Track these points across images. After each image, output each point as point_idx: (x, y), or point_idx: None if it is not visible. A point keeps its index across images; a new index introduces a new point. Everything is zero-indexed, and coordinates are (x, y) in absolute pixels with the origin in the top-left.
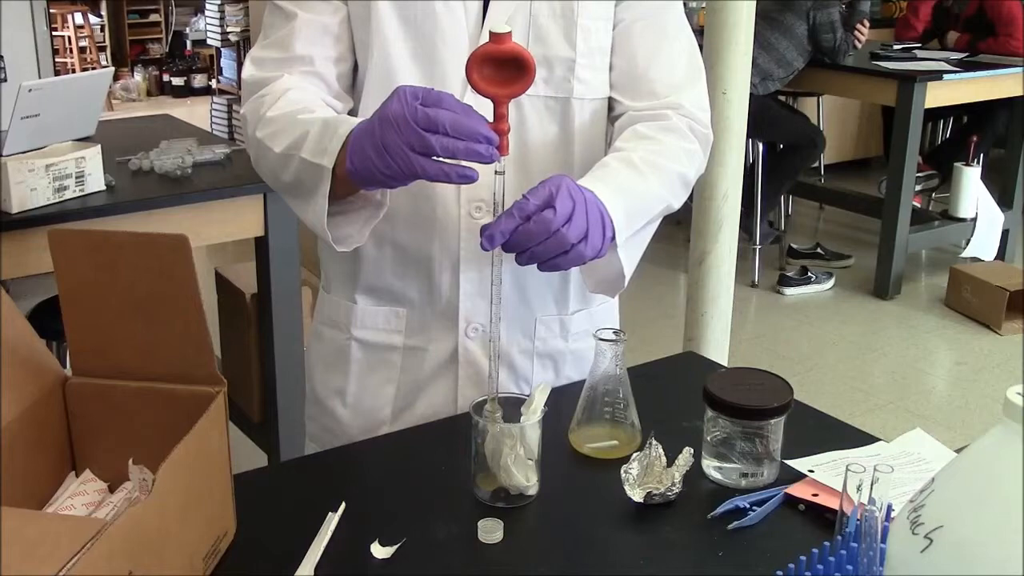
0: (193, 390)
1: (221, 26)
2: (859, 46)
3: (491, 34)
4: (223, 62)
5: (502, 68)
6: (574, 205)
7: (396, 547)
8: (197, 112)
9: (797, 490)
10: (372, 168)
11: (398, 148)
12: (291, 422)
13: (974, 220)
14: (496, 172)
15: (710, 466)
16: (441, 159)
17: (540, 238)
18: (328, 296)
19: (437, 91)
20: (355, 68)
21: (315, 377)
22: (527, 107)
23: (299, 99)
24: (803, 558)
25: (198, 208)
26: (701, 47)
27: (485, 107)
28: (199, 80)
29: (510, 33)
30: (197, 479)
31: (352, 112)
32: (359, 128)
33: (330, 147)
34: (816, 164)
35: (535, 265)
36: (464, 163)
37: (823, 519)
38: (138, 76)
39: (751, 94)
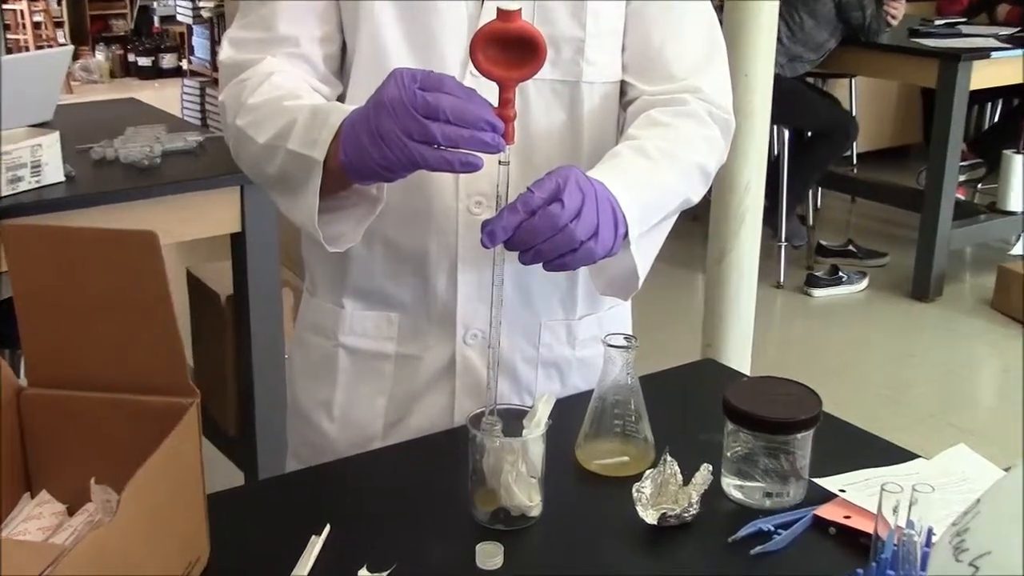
0: (163, 401)
1: (193, 1)
2: (893, 23)
3: (499, 11)
4: (195, 40)
5: (509, 49)
6: (583, 198)
7: (386, 573)
8: (166, 95)
9: (827, 511)
10: (368, 159)
11: (395, 136)
12: (271, 437)
13: None
14: (500, 162)
15: (730, 485)
16: (442, 147)
17: (546, 234)
18: (313, 300)
19: (438, 74)
20: (343, 50)
21: (298, 388)
22: (532, 92)
23: (284, 84)
24: None
25: (168, 202)
26: (721, 23)
27: (488, 92)
28: (168, 60)
29: (519, 11)
30: (167, 499)
31: (341, 98)
32: (352, 116)
33: (321, 137)
34: (848, 153)
35: (540, 265)
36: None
37: (856, 544)
38: (100, 55)
39: (777, 75)
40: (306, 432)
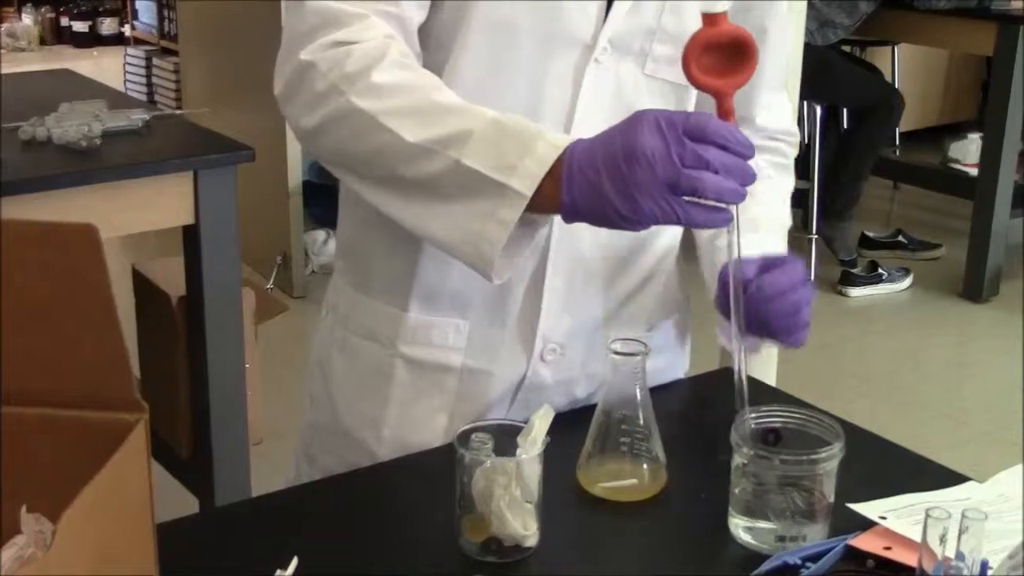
0: (105, 418)
1: None
2: None
3: (704, 16)
4: (139, 3)
5: (716, 55)
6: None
7: None
8: (106, 66)
9: (864, 542)
10: (608, 208)
11: (654, 191)
12: (229, 457)
13: None
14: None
15: (739, 526)
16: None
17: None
18: (367, 300)
19: (698, 116)
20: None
21: (339, 400)
22: (644, 89)
23: (414, 64)
24: None
25: (110, 189)
26: None
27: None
28: (108, 25)
29: (725, 13)
30: (110, 531)
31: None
32: (580, 157)
33: (523, 167)
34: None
35: (620, 275)
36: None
37: None
38: (28, 18)
39: (806, 44)
40: (347, 451)
